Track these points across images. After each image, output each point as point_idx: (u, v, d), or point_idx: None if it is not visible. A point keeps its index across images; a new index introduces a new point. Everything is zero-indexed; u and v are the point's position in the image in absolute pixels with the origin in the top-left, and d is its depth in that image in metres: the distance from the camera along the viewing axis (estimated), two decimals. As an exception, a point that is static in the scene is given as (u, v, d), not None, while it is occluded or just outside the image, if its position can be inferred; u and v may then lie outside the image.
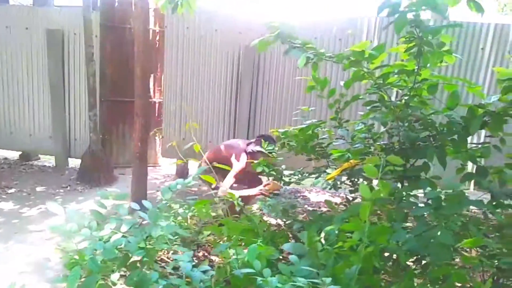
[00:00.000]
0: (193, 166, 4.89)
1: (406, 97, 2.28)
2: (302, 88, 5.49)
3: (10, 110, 5.95)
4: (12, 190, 4.53)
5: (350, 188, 2.83)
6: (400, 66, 2.25)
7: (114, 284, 1.74)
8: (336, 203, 4.55)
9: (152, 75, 5.69)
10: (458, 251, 1.98)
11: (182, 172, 5.34)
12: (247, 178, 3.37)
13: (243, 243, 2.29)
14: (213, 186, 2.78)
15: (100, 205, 1.90)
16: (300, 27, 5.26)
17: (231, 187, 3.17)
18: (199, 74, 5.70)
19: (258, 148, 3.29)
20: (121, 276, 2.04)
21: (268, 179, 3.15)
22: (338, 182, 2.81)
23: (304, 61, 2.34)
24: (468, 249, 2.22)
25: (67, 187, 4.82)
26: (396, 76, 2.32)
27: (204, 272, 1.73)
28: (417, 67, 2.15)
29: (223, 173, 3.14)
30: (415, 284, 1.87)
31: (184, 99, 5.76)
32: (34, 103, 5.89)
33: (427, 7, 1.90)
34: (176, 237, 2.70)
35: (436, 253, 1.67)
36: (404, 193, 2.08)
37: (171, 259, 2.89)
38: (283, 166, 3.30)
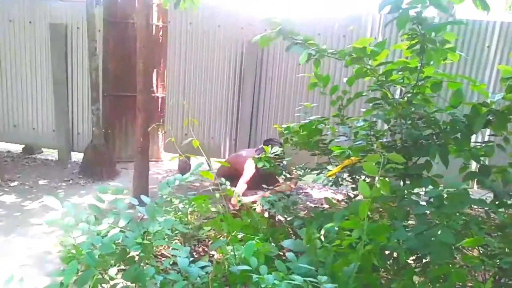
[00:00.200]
0: (196, 162, 4.88)
1: (409, 95, 2.25)
2: (305, 84, 5.46)
3: (13, 103, 5.96)
4: (15, 183, 4.55)
5: (352, 185, 2.81)
6: (403, 63, 2.23)
7: (112, 278, 1.74)
8: (338, 200, 4.53)
9: (155, 70, 5.69)
10: (459, 250, 1.96)
11: (184, 168, 5.34)
12: (263, 180, 3.35)
13: (243, 239, 2.28)
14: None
15: (98, 199, 1.90)
16: (303, 23, 5.25)
17: (244, 193, 3.22)
18: (202, 70, 5.68)
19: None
20: (119, 270, 2.04)
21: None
22: (339, 179, 2.79)
23: (305, 57, 2.32)
24: (470, 248, 2.20)
25: (69, 180, 4.83)
26: (399, 73, 2.29)
27: (202, 267, 1.73)
28: (420, 64, 2.12)
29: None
30: (416, 283, 1.86)
31: (187, 95, 5.74)
32: (37, 97, 5.90)
33: (430, 4, 1.87)
34: (176, 232, 2.70)
35: (436, 252, 1.66)
36: (405, 191, 2.06)
37: (171, 254, 2.89)
38: (293, 167, 3.29)
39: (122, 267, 2.07)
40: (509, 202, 1.89)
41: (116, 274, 1.82)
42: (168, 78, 5.77)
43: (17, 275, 1.89)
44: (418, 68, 2.14)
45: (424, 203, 1.92)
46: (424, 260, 1.92)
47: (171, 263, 2.13)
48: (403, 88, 2.45)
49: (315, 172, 3.00)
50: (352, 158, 2.22)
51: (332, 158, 2.81)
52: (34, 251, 2.90)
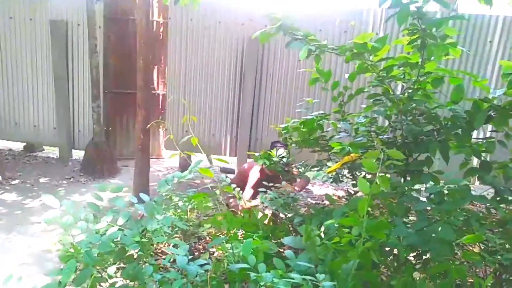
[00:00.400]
0: (196, 159, 4.88)
1: (409, 91, 2.23)
2: (306, 81, 5.43)
3: (14, 101, 5.96)
4: (16, 181, 4.55)
5: (353, 182, 2.80)
6: (404, 58, 2.20)
7: (111, 277, 1.73)
8: (339, 197, 4.52)
9: (155, 67, 5.67)
10: (460, 247, 1.95)
11: (185, 165, 5.33)
12: (272, 181, 3.36)
13: (243, 237, 2.28)
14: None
15: (97, 197, 1.89)
16: (304, 19, 5.21)
17: (252, 196, 3.31)
18: (203, 66, 5.66)
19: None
20: (118, 268, 2.04)
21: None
22: (339, 176, 2.78)
23: (305, 53, 2.30)
24: (470, 245, 2.19)
25: (70, 178, 4.84)
26: (400, 69, 2.27)
27: (201, 265, 1.72)
28: (421, 59, 2.10)
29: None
30: (416, 279, 1.85)
31: (187, 91, 5.72)
32: (38, 94, 5.90)
33: (431, -1, 1.85)
34: (176, 229, 2.70)
35: (437, 248, 1.64)
36: (406, 187, 2.04)
37: (171, 252, 2.89)
38: (295, 166, 3.28)
39: (122, 265, 2.07)
40: (510, 198, 1.87)
41: (115, 272, 1.81)
42: (168, 75, 5.76)
43: (17, 273, 1.89)
44: (419, 63, 2.12)
45: (424, 199, 1.91)
46: (424, 257, 1.90)
47: (171, 260, 2.12)
48: (404, 84, 2.43)
49: (316, 169, 2.99)
50: (352, 154, 2.20)
51: (332, 154, 2.80)
52: (34, 249, 2.90)
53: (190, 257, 1.75)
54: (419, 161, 2.18)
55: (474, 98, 1.99)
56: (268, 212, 3.22)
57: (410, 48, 2.18)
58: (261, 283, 1.39)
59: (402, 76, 2.32)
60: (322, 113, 2.78)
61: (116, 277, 1.93)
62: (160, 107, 5.81)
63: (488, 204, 1.86)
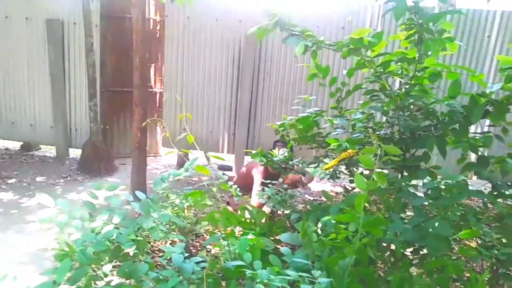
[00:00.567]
0: (194, 157, 4.86)
1: (407, 86, 2.22)
2: (304, 78, 5.42)
3: (11, 100, 5.93)
4: (12, 181, 4.53)
5: (350, 178, 2.79)
6: (401, 54, 2.19)
7: (106, 275, 1.72)
8: (336, 193, 4.52)
9: (153, 65, 5.64)
10: (457, 242, 1.94)
11: (183, 163, 5.30)
12: (276, 180, 3.36)
13: (240, 234, 2.27)
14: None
15: (92, 196, 1.87)
16: (302, 16, 5.19)
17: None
18: (200, 64, 5.64)
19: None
20: (115, 266, 2.03)
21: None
22: (337, 172, 2.77)
23: (302, 49, 2.28)
24: (468, 240, 2.18)
25: (67, 177, 4.82)
26: (397, 64, 2.26)
27: (198, 263, 1.71)
28: (418, 55, 2.09)
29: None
30: (413, 274, 1.84)
31: (185, 89, 5.70)
32: (34, 93, 5.87)
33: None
34: (173, 226, 2.69)
35: (433, 244, 1.64)
36: (403, 183, 2.03)
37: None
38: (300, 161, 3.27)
39: (118, 263, 2.06)
40: (507, 192, 1.87)
41: (111, 270, 1.80)
42: (165, 73, 5.73)
43: (13, 272, 1.88)
44: (416, 58, 2.11)
45: (422, 194, 1.90)
46: (421, 252, 1.90)
47: (168, 258, 2.11)
48: (401, 80, 2.42)
49: (313, 165, 2.98)
50: (349, 151, 2.19)
51: (329, 151, 2.79)
52: (30, 248, 2.89)
53: (186, 254, 1.74)
54: (417, 157, 2.17)
55: (471, 93, 1.98)
56: (267, 209, 3.22)
57: (407, 43, 2.17)
58: (257, 280, 1.38)
59: (399, 72, 2.31)
60: (318, 110, 2.76)
61: (113, 275, 1.92)
62: (157, 105, 5.78)
63: (485, 199, 1.86)
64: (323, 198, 4.33)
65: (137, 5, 3.85)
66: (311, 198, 4.47)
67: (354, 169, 2.71)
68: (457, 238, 1.77)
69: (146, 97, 4.11)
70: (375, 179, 1.57)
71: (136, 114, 3.94)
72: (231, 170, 5.66)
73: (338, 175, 2.82)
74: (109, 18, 5.36)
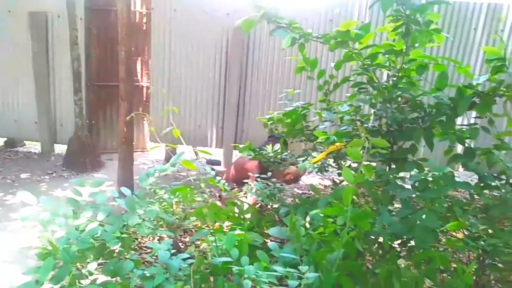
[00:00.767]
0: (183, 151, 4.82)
1: (394, 78, 2.21)
2: (293, 71, 5.39)
3: (-7, 95, 5.79)
4: (-4, 178, 4.44)
5: (339, 171, 2.79)
6: (388, 46, 2.18)
7: (91, 273, 1.69)
8: (325, 186, 4.53)
9: (139, 59, 5.56)
10: (444, 233, 1.95)
11: (171, 157, 5.26)
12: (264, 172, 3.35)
13: (228, 229, 2.25)
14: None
15: (76, 192, 1.83)
16: (290, 8, 5.14)
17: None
18: (187, 57, 5.56)
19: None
20: (100, 264, 1.99)
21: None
22: (325, 165, 2.76)
23: (289, 41, 2.25)
24: (454, 231, 2.20)
25: (52, 173, 4.73)
26: (385, 56, 2.25)
27: (185, 259, 1.68)
28: (405, 47, 2.08)
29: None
30: (401, 266, 1.85)
31: (172, 83, 5.62)
32: (18, 88, 5.73)
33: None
34: (161, 222, 2.66)
35: (421, 236, 1.64)
36: (391, 175, 2.03)
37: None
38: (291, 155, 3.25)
39: (104, 261, 2.03)
40: (493, 184, 1.88)
41: (96, 269, 1.77)
42: (152, 66, 5.65)
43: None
44: (403, 50, 2.10)
45: (409, 186, 1.91)
46: (409, 244, 1.90)
47: (156, 254, 2.09)
48: (388, 72, 2.41)
49: (302, 158, 2.97)
50: (336, 144, 2.18)
51: (317, 144, 2.78)
52: (15, 246, 2.83)
53: (174, 251, 1.72)
54: (404, 149, 2.17)
55: (458, 84, 1.98)
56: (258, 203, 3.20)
57: (395, 35, 2.16)
58: (245, 276, 1.36)
59: (386, 64, 2.30)
60: (305, 103, 2.74)
61: (100, 273, 1.89)
62: (144, 99, 5.70)
63: (472, 191, 1.86)
64: (312, 192, 4.34)
65: (122, -3, 3.77)
66: (300, 192, 4.47)
67: (342, 162, 2.71)
68: (444, 229, 1.78)
69: (132, 91, 4.05)
70: (363, 172, 1.56)
71: (122, 108, 3.88)
72: (220, 165, 5.63)
73: (327, 168, 2.81)
74: (93, 10, 5.25)
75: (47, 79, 5.61)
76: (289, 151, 3.15)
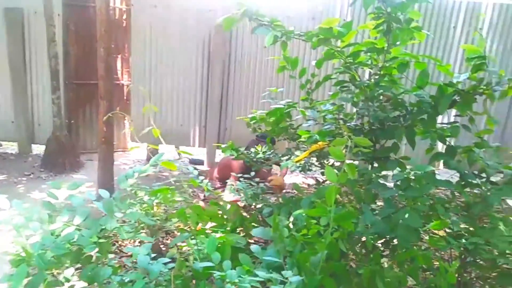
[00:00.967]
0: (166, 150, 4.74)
1: (376, 76, 2.21)
2: (275, 69, 5.37)
3: (-33, 94, 5.59)
4: (-29, 180, 4.29)
5: (322, 170, 2.78)
6: (370, 44, 2.17)
7: (68, 280, 1.63)
8: (308, 185, 4.53)
9: (119, 56, 5.45)
10: (426, 231, 1.96)
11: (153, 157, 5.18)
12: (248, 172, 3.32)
13: (210, 230, 2.21)
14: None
15: (51, 195, 1.77)
16: (272, 6, 5.11)
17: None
18: (168, 55, 5.47)
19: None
20: (78, 268, 1.93)
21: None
22: (307, 165, 2.75)
23: (271, 39, 2.22)
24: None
25: (30, 174, 4.60)
26: (367, 54, 2.24)
27: (166, 263, 1.64)
28: (387, 44, 2.07)
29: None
30: (384, 265, 1.85)
31: (153, 81, 5.52)
32: (-7, 87, 5.56)
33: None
34: (142, 224, 2.60)
35: (403, 235, 1.64)
36: (373, 174, 2.03)
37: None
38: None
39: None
40: (474, 182, 1.89)
41: (73, 274, 1.71)
42: (133, 64, 5.54)
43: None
44: (385, 48, 2.09)
45: (391, 184, 1.91)
46: (392, 244, 1.90)
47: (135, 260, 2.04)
48: (370, 70, 2.41)
49: (285, 157, 2.95)
50: (319, 143, 2.17)
51: (300, 143, 2.76)
52: (-10, 251, 2.73)
53: (153, 255, 1.67)
54: (386, 148, 2.18)
55: (439, 82, 1.99)
56: (242, 203, 3.17)
57: (376, 33, 2.15)
58: (227, 281, 1.33)
59: (368, 62, 2.30)
60: (289, 102, 2.72)
61: (77, 279, 1.83)
62: (125, 97, 5.60)
63: (453, 189, 1.87)
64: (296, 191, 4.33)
65: (100, -7, 3.68)
66: (283, 191, 4.46)
67: (325, 161, 2.70)
68: (427, 228, 1.78)
69: (112, 89, 3.96)
70: (346, 172, 1.55)
71: (101, 107, 3.80)
72: (203, 164, 5.57)
73: (310, 167, 2.80)
74: (71, 6, 5.13)
75: (24, 78, 5.45)
76: (272, 150, 3.13)
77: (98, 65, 3.76)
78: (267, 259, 1.50)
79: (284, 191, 4.23)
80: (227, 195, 3.22)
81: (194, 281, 1.76)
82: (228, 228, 2.26)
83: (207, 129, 5.58)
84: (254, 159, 2.95)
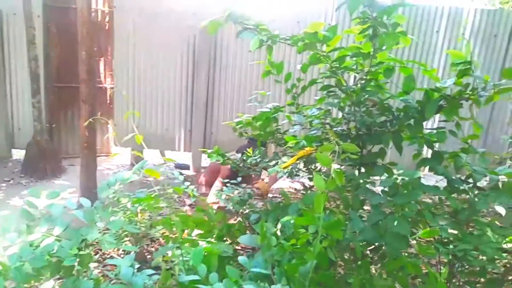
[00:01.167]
0: (148, 156, 4.65)
1: (362, 81, 2.20)
2: (261, 72, 5.34)
3: None
4: None
5: (309, 176, 2.76)
6: (355, 48, 2.16)
7: (47, 293, 1.56)
8: (296, 189, 4.51)
9: (102, 59, 5.36)
10: (415, 239, 1.95)
11: (137, 162, 5.09)
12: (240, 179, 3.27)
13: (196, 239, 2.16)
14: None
15: (30, 204, 1.70)
16: (257, 9, 5.09)
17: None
18: (153, 58, 5.39)
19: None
20: (60, 278, 1.86)
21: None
22: (295, 170, 2.72)
23: (257, 43, 2.20)
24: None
25: (10, 180, 4.47)
26: (353, 59, 2.23)
27: (151, 275, 1.59)
28: (372, 49, 2.06)
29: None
30: (373, 272, 1.83)
31: (137, 84, 5.42)
32: (-30, 90, 5.38)
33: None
34: (126, 232, 2.53)
35: (392, 243, 1.63)
36: (360, 180, 2.02)
37: (122, 256, 2.72)
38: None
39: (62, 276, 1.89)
40: (461, 187, 1.89)
41: (53, 286, 1.64)
42: (116, 67, 5.44)
43: None
44: (371, 53, 2.09)
45: (379, 189, 1.89)
46: (380, 251, 1.89)
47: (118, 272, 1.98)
48: (356, 75, 2.40)
49: (273, 162, 2.92)
50: (306, 149, 2.14)
51: (287, 148, 2.73)
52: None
53: (137, 266, 1.62)
54: (373, 153, 2.17)
55: (425, 87, 1.99)
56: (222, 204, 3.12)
57: (362, 37, 2.15)
58: (214, 293, 1.29)
59: (354, 67, 2.29)
60: (277, 106, 2.70)
61: (56, 291, 1.76)
62: (108, 101, 5.50)
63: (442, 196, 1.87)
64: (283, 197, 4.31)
65: (82, -5, 3.60)
66: (271, 196, 4.43)
67: (312, 166, 2.68)
68: (416, 237, 1.77)
69: (94, 93, 3.87)
70: (334, 178, 1.52)
71: (83, 111, 3.71)
72: (189, 169, 5.51)
73: (297, 173, 2.77)
74: (52, 8, 5.02)
75: (3, 81, 5.30)
76: (261, 154, 3.10)
77: (80, 68, 3.68)
78: (257, 266, 1.47)
79: (269, 196, 4.20)
80: (210, 197, 3.18)
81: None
82: (215, 236, 2.21)
83: (193, 133, 5.52)
84: (241, 165, 2.91)
